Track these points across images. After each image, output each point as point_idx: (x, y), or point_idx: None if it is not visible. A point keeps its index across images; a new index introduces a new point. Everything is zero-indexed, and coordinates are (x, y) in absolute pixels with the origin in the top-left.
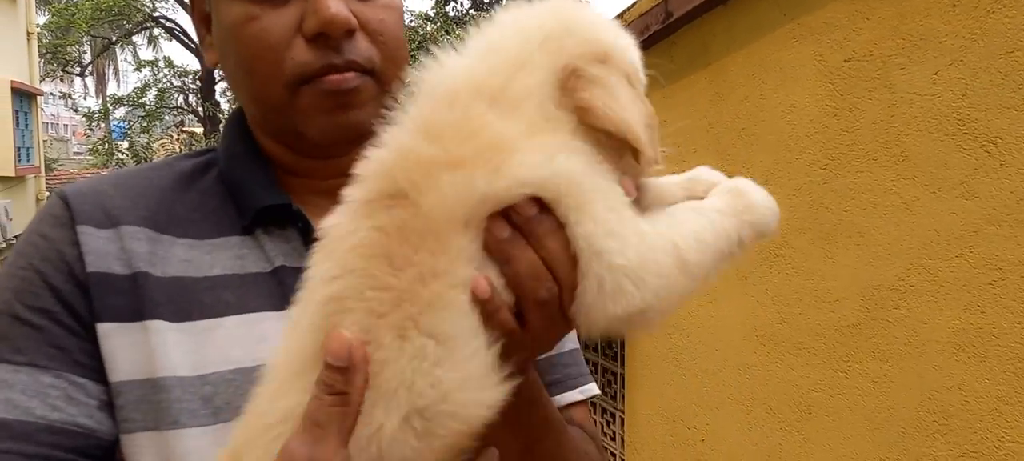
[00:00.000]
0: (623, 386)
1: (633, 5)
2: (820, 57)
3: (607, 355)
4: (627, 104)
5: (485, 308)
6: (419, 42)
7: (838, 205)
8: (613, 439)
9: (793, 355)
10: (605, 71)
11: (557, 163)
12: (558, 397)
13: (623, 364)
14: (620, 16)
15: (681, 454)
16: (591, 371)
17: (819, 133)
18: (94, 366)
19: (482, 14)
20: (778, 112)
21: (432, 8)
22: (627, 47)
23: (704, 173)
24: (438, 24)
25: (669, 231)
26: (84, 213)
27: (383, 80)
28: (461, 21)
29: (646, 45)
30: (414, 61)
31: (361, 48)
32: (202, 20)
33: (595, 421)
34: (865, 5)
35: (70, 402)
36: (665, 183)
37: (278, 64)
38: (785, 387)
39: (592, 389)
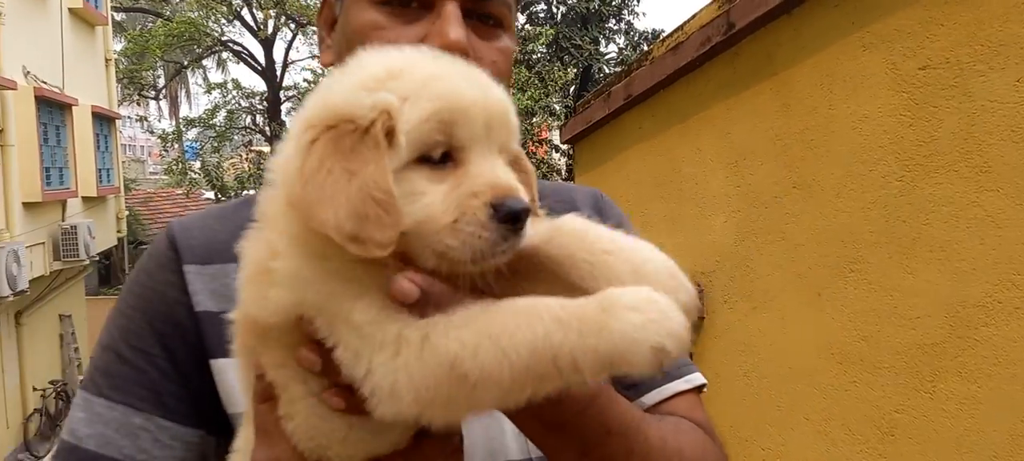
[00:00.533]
0: None
1: (692, 18)
2: (892, 65)
3: None
4: (324, 185)
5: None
6: None
7: (916, 218)
8: None
9: (872, 374)
10: (306, 138)
11: (299, 290)
12: (662, 388)
13: None
14: (679, 29)
15: None
16: None
17: (894, 144)
18: (183, 410)
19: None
20: (849, 123)
21: None
22: (367, 103)
23: (568, 223)
24: None
25: (456, 337)
26: (190, 251)
27: None
28: None
29: (708, 57)
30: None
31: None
32: (327, 23)
33: None
34: (939, 11)
35: (156, 444)
36: (532, 234)
37: None
38: (864, 407)
39: (698, 378)
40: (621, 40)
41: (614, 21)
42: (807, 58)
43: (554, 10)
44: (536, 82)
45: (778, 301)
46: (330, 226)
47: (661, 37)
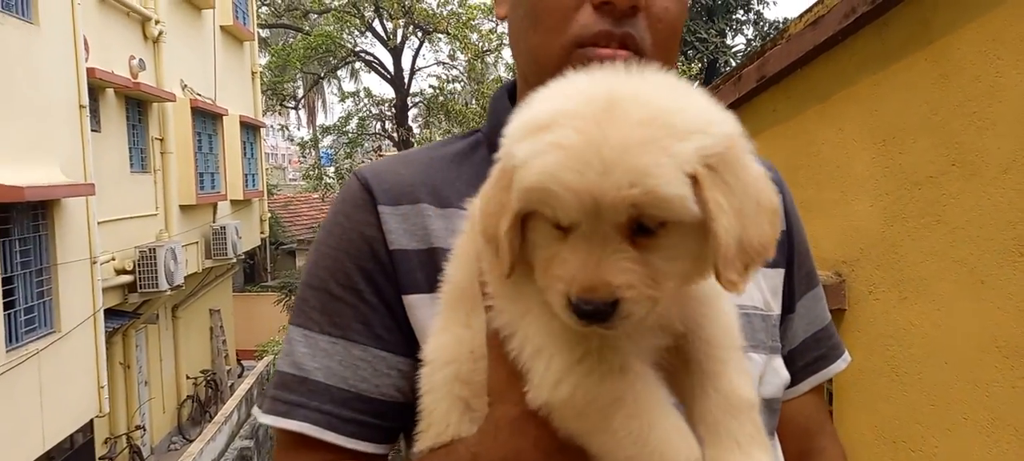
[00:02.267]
0: (832, 403)
1: None
2: None
3: None
4: (489, 204)
5: None
6: None
7: None
8: None
9: None
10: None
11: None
12: (825, 370)
13: (831, 380)
14: (819, 2)
15: None
16: None
17: None
18: (394, 340)
19: None
20: (1019, 90)
21: None
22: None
23: (708, 321)
24: None
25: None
26: (383, 193)
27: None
28: None
29: (853, 30)
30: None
31: (639, 28)
32: None
33: None
34: None
35: (375, 373)
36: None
37: (564, 21)
38: None
39: (847, 358)
40: (750, 31)
41: (742, 12)
42: (969, 22)
43: None
44: None
45: (933, 290)
46: (484, 239)
47: (800, 14)
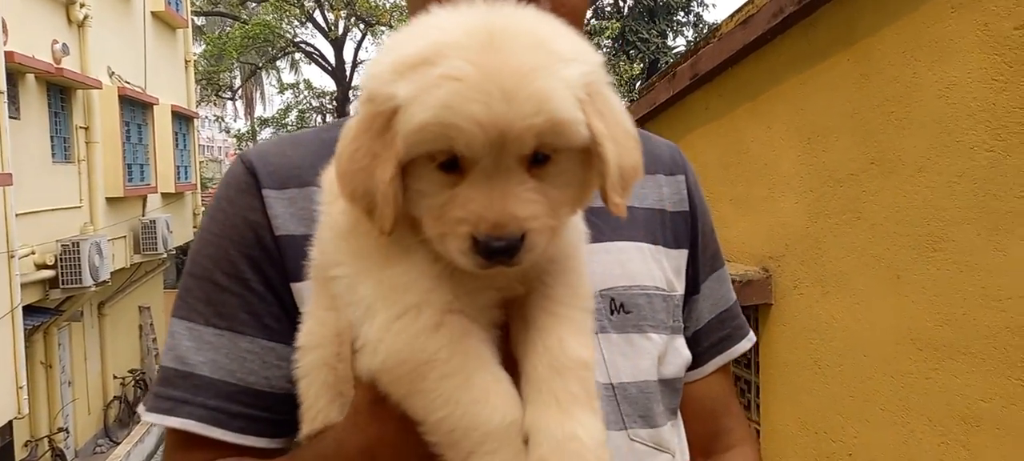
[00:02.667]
0: (758, 395)
1: None
2: (985, 26)
3: (739, 363)
4: (353, 159)
5: None
6: None
7: (1009, 192)
8: None
9: (956, 361)
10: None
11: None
12: (729, 351)
13: (758, 372)
14: (750, 2)
15: None
16: None
17: (984, 111)
18: (282, 329)
19: None
20: (934, 90)
21: None
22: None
23: (555, 267)
24: None
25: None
26: (268, 177)
27: None
28: None
29: (781, 29)
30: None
31: (541, 7)
32: None
33: None
34: None
35: (264, 366)
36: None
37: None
38: (948, 397)
39: (752, 338)
40: (690, 33)
41: (683, 13)
42: (890, 24)
43: (621, 4)
44: None
45: (853, 285)
46: (349, 197)
47: (731, 13)
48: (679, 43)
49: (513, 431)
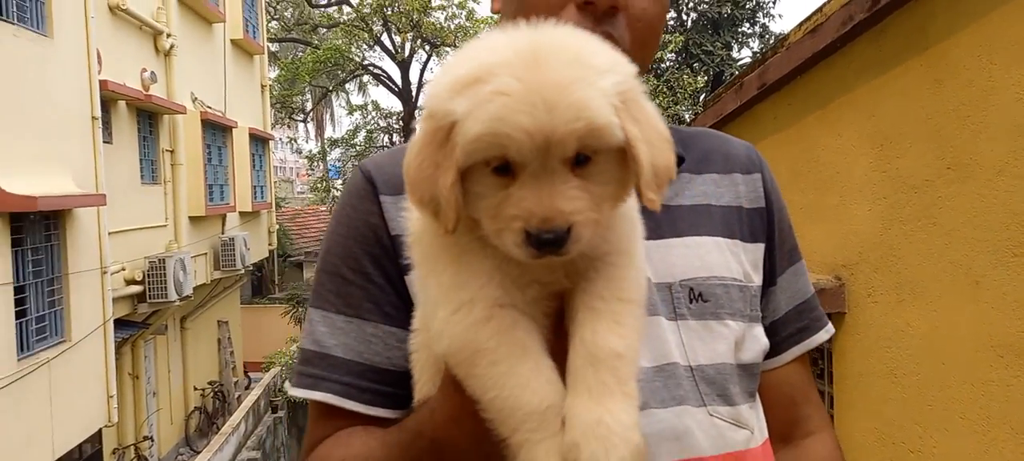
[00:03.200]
0: (832, 407)
1: None
2: None
3: (813, 372)
4: (420, 168)
5: None
6: None
7: None
8: None
9: None
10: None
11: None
12: (808, 341)
13: (831, 383)
14: (818, 11)
15: None
16: None
17: None
18: (400, 316)
19: None
20: (1012, 93)
21: None
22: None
23: (610, 260)
24: None
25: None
26: (384, 184)
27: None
28: None
29: (850, 37)
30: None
31: (619, 27)
32: None
33: None
34: None
35: (387, 347)
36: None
37: (550, 18)
38: None
39: (830, 329)
40: (755, 44)
41: (748, 25)
42: (964, 27)
43: (684, 17)
44: (664, 90)
45: (929, 292)
46: (417, 203)
47: (799, 22)
48: (744, 55)
49: (551, 414)
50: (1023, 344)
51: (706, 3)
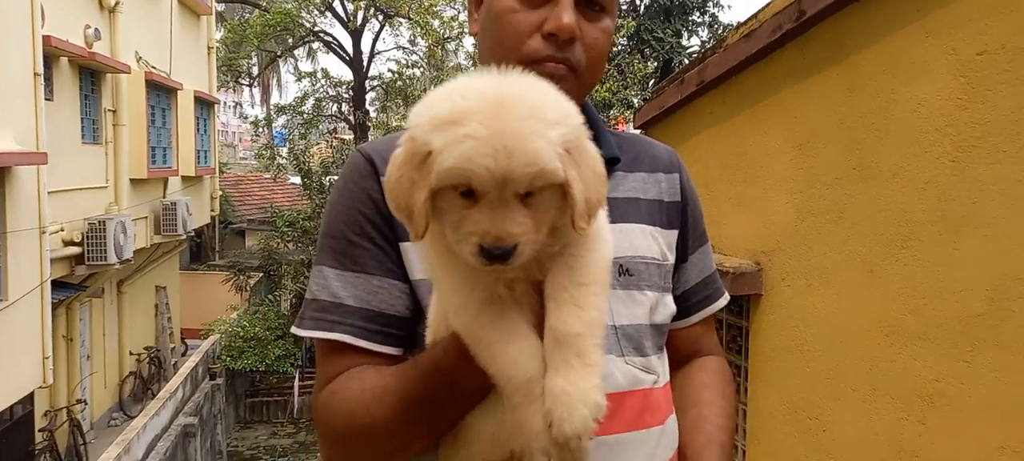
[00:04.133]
0: (747, 379)
1: (767, 5)
2: (952, 51)
3: (731, 349)
4: (400, 181)
5: None
6: None
7: (966, 196)
8: (735, 432)
9: (916, 346)
10: (404, 138)
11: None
12: (709, 307)
13: (747, 358)
14: (754, 17)
15: (802, 444)
16: None
17: (949, 126)
18: (401, 271)
19: None
20: (909, 106)
21: None
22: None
23: (568, 252)
24: None
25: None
26: (383, 164)
27: (582, 81)
28: None
29: (781, 43)
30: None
31: (576, 53)
32: (476, 2)
33: None
34: None
35: (392, 297)
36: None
37: (520, 45)
38: (907, 377)
39: (727, 297)
40: (704, 33)
41: (698, 14)
42: (874, 43)
43: (637, 2)
44: (615, 75)
45: (833, 278)
46: (394, 209)
47: (736, 25)
48: (694, 43)
49: (533, 385)
50: (905, 325)
51: None
